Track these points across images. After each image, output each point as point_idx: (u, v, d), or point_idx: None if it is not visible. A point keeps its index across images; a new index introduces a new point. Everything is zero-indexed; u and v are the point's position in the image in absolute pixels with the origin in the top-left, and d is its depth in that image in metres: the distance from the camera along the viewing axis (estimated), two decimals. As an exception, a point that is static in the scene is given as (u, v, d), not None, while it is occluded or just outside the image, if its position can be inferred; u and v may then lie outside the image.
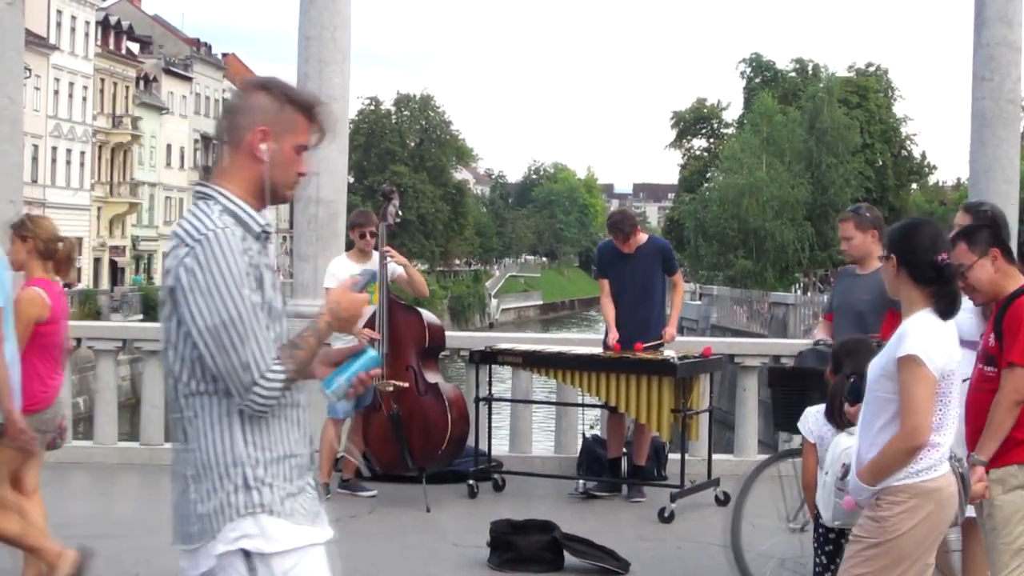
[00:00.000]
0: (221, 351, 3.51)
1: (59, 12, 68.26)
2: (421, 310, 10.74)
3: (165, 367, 3.67)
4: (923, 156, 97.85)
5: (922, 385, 4.84)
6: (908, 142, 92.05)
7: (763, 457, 9.45)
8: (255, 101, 3.68)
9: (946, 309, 4.96)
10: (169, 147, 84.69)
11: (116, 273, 76.21)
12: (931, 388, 4.85)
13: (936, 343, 4.89)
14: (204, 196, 3.68)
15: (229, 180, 3.69)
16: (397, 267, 10.44)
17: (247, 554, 3.56)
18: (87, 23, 72.34)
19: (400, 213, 10.47)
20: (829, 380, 6.51)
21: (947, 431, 4.97)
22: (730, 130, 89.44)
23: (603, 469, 11.15)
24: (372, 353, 3.78)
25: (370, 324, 10.05)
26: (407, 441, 10.36)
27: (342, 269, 10.18)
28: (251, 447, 3.58)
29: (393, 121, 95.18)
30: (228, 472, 3.57)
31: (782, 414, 8.22)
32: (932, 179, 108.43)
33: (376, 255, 10.33)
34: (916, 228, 5.11)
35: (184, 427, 3.62)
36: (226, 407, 3.58)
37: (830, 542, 6.44)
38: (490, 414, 10.94)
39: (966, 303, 6.57)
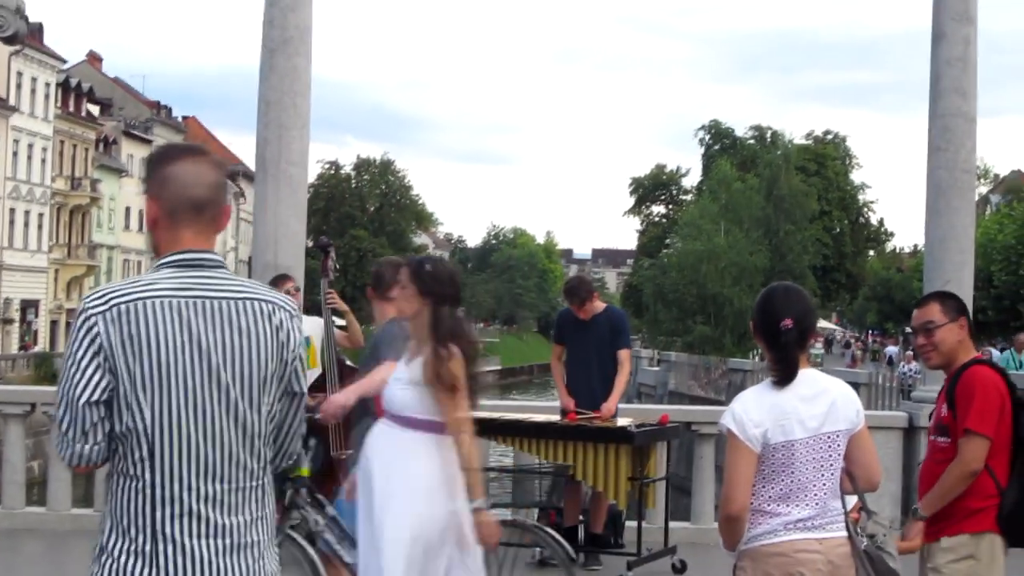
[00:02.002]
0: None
1: (19, 73, 68.23)
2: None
3: (250, 433, 3.48)
4: (880, 223, 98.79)
5: (732, 454, 4.85)
6: (866, 209, 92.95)
7: None
8: None
9: (781, 375, 4.90)
10: (128, 210, 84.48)
11: (73, 336, 75.56)
12: (742, 457, 4.82)
13: (752, 413, 4.85)
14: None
15: None
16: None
17: None
18: (47, 85, 72.31)
19: (337, 266, 10.20)
20: None
21: (797, 500, 4.87)
22: (689, 196, 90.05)
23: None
24: None
25: (319, 387, 9.30)
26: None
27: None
28: None
29: (353, 185, 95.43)
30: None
31: None
32: (889, 246, 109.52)
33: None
34: (768, 293, 5.10)
35: (257, 494, 3.52)
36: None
37: None
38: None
39: (399, 373, 6.52)
